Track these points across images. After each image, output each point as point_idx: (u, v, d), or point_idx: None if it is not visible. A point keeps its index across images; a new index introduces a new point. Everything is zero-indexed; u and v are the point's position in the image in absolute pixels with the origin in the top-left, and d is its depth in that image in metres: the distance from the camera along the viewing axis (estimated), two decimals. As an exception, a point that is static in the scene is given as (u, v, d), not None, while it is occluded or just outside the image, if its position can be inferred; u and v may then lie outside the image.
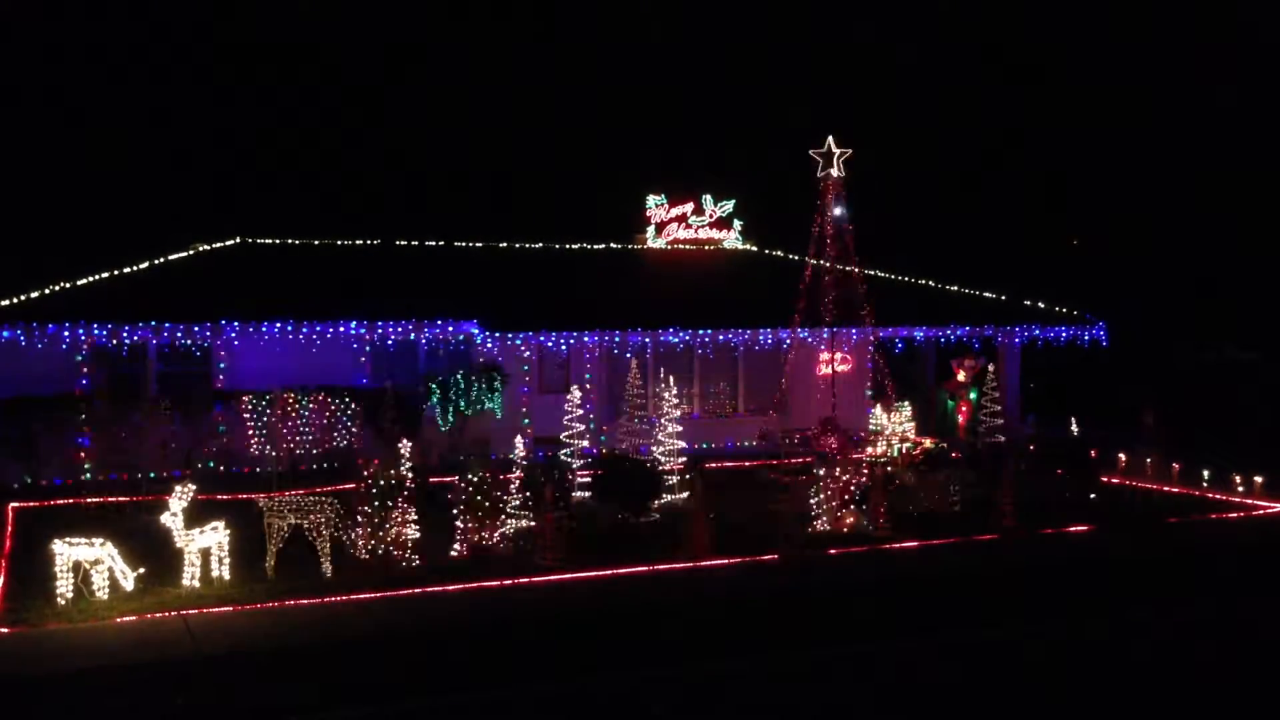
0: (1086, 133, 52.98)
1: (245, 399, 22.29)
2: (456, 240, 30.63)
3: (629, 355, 27.12)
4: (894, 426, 24.14)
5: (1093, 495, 20.61)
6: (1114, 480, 22.35)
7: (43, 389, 22.11)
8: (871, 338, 28.70)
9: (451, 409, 24.14)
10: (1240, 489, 21.12)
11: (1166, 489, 21.36)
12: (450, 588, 14.37)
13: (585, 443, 20.45)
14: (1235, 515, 19.63)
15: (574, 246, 31.74)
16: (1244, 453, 23.91)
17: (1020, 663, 12.21)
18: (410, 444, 20.34)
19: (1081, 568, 16.05)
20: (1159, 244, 49.71)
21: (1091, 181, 52.35)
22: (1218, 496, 20.97)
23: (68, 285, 23.72)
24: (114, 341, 22.37)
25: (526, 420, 26.29)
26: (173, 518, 14.22)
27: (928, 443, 24.57)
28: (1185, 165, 50.81)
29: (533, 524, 16.65)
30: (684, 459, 20.57)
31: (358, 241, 29.43)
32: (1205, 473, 21.90)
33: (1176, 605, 14.31)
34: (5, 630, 12.58)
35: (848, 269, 25.39)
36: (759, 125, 50.93)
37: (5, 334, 21.64)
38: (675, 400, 20.64)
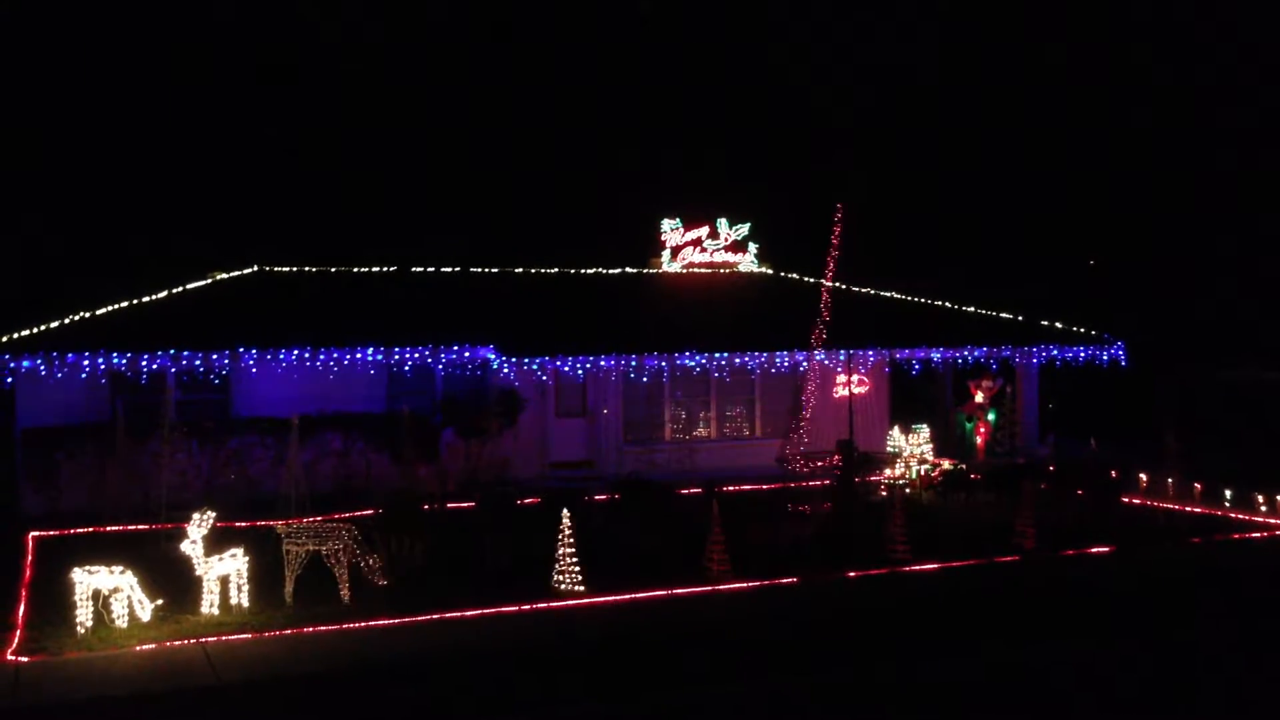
0: (1102, 150, 52.90)
1: (263, 425, 22.39)
2: (472, 265, 30.72)
3: (645, 379, 27.15)
4: (912, 448, 24.05)
5: (1113, 516, 20.45)
6: (1135, 500, 22.18)
7: (63, 418, 22.24)
8: (888, 359, 28.65)
9: (468, 434, 24.17)
10: (1263, 508, 20.94)
11: (1188, 509, 21.19)
12: (469, 613, 14.35)
13: (602, 466, 20.44)
14: (1259, 535, 19.46)
15: (589, 271, 31.81)
16: (1267, 472, 23.70)
17: (1033, 688, 12.11)
18: (427, 470, 20.36)
19: (1101, 590, 15.92)
20: (1180, 263, 49.51)
21: (1110, 200, 52.22)
22: (1240, 516, 20.79)
23: (87, 315, 23.87)
24: (133, 370, 22.49)
25: (544, 445, 26.30)
26: (192, 545, 14.26)
27: (946, 464, 24.47)
28: (1206, 180, 50.67)
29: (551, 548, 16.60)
30: (701, 482, 20.50)
31: (374, 268, 29.56)
32: (1227, 492, 21.73)
33: (1201, 628, 14.18)
34: (25, 659, 12.61)
35: (864, 291, 25.36)
36: (773, 148, 51.04)
37: (26, 363, 21.77)
38: (692, 423, 20.60)
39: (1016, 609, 15.02)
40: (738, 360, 27.24)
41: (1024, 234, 50.66)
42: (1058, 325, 30.90)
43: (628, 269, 31.95)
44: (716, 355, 26.79)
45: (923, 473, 23.20)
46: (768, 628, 14.06)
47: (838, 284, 25.69)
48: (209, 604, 14.29)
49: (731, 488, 22.77)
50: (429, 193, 46.78)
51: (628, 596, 15.20)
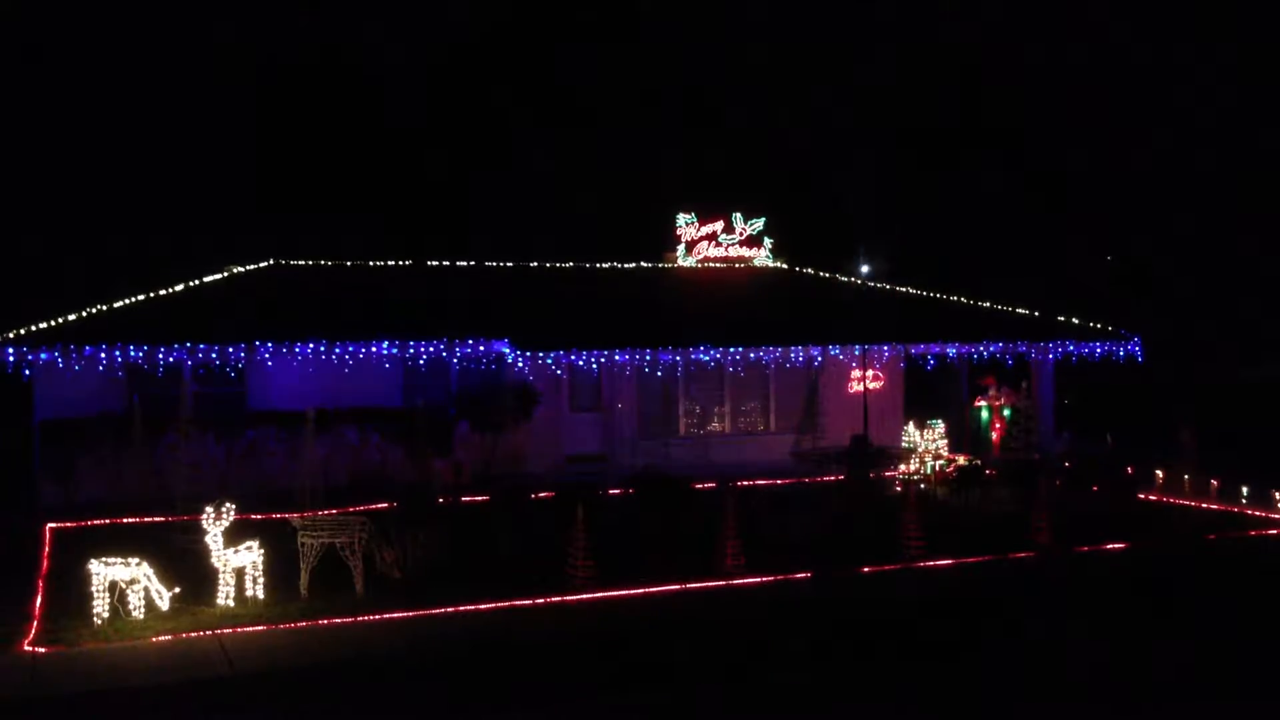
0: (1124, 146, 52.65)
1: (279, 419, 22.48)
2: (488, 260, 30.78)
3: (660, 374, 27.16)
4: (926, 444, 23.99)
5: (1129, 512, 20.38)
6: (1151, 497, 22.08)
7: (80, 410, 22.39)
8: (903, 354, 28.57)
9: (483, 428, 24.21)
10: (1281, 505, 20.82)
11: (1205, 505, 21.08)
12: (482, 606, 14.38)
13: (617, 460, 20.46)
14: (1275, 533, 19.34)
15: (604, 265, 31.81)
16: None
17: (1037, 679, 12.07)
18: (442, 463, 20.42)
19: (1116, 586, 15.86)
20: (1197, 259, 49.28)
21: (1129, 196, 51.99)
22: (1257, 513, 20.67)
23: (104, 308, 24.01)
24: (150, 363, 22.61)
25: (558, 439, 26.34)
26: (209, 538, 14.33)
27: (961, 460, 24.39)
28: (1228, 176, 50.40)
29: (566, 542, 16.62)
30: (715, 476, 20.51)
31: (389, 262, 29.62)
32: (1244, 489, 21.60)
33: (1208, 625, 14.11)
34: (42, 649, 12.69)
35: (879, 285, 25.31)
36: (789, 141, 50.98)
37: (43, 356, 21.91)
38: (706, 418, 20.59)
39: (1026, 605, 14.98)
40: (752, 355, 27.24)
41: (1041, 229, 50.50)
42: (1074, 321, 30.77)
43: (643, 263, 31.95)
44: (731, 350, 26.78)
45: (938, 468, 23.14)
46: (780, 623, 14.04)
47: (853, 279, 25.64)
48: (225, 596, 14.35)
49: (746, 482, 22.76)
50: (445, 188, 46.91)
51: (641, 590, 15.21)
